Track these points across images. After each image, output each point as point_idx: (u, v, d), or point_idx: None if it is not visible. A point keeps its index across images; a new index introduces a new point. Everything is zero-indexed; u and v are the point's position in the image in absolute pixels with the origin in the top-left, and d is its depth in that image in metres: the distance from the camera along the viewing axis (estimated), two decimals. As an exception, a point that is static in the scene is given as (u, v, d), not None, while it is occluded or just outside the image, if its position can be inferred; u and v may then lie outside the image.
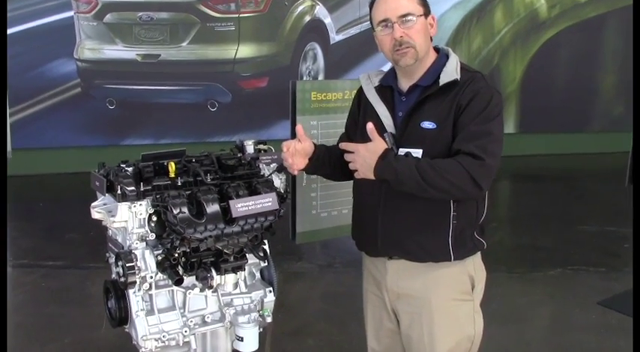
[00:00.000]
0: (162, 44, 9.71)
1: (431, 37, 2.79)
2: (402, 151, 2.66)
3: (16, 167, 9.24)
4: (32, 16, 9.55)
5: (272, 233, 2.69)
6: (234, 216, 2.47)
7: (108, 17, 9.53)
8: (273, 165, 2.82)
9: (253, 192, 2.59)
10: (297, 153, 2.83)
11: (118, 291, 2.61)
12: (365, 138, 2.74)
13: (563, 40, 11.30)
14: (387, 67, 2.91)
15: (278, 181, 2.77)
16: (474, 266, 2.87)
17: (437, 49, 2.85)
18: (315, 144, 2.93)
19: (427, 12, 2.75)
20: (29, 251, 6.72)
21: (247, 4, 9.78)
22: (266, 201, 2.54)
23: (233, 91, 9.98)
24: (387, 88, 2.87)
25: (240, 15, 9.77)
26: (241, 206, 2.48)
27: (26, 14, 9.52)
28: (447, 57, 2.79)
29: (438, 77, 2.72)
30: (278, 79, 9.66)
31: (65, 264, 6.32)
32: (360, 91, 2.97)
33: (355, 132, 2.95)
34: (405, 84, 2.81)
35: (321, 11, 10.09)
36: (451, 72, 2.71)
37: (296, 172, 2.86)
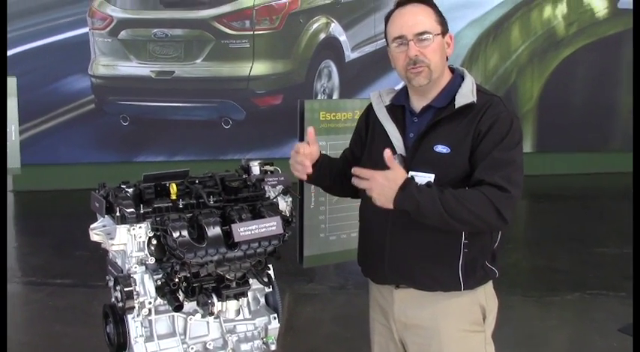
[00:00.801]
0: (177, 61, 9.71)
1: (447, 57, 2.71)
2: (411, 175, 2.57)
3: (29, 183, 9.24)
4: (47, 33, 9.61)
5: (277, 258, 2.59)
6: (236, 240, 2.38)
7: (122, 34, 9.56)
8: (279, 187, 2.71)
9: (257, 215, 2.50)
10: (305, 156, 2.79)
11: (117, 316, 2.53)
12: (373, 159, 2.69)
13: (581, 58, 11.24)
14: (402, 86, 2.82)
15: (283, 204, 2.66)
16: (485, 296, 2.77)
17: (452, 69, 2.76)
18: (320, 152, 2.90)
19: (445, 30, 2.67)
20: (38, 268, 6.68)
21: (262, 22, 9.76)
22: (270, 225, 2.45)
23: (247, 109, 9.96)
24: (399, 107, 2.78)
25: (255, 32, 9.75)
26: (244, 230, 2.39)
27: (41, 31, 9.59)
28: (463, 78, 2.70)
29: (453, 98, 2.63)
30: (292, 96, 9.60)
31: (73, 282, 6.26)
32: (370, 108, 2.89)
33: (361, 150, 2.88)
34: (417, 104, 2.73)
35: (336, 29, 10.06)
36: (467, 94, 2.62)
37: (305, 176, 2.80)
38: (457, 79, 2.71)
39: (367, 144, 2.85)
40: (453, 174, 2.56)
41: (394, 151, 2.65)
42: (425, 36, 2.59)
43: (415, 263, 2.68)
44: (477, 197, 2.46)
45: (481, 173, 2.51)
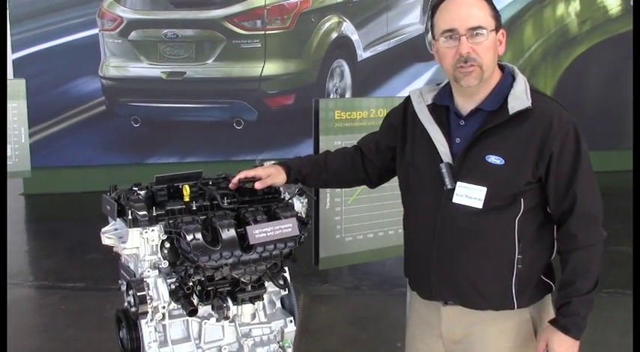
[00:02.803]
0: (188, 62, 9.65)
1: (499, 55, 2.47)
2: (460, 186, 2.40)
3: (40, 186, 9.20)
4: (57, 34, 9.55)
5: (293, 260, 2.54)
6: (251, 242, 2.34)
7: (133, 35, 9.49)
8: (294, 188, 2.66)
9: (272, 217, 2.46)
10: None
11: (130, 321, 2.48)
12: (416, 167, 2.52)
13: (595, 56, 11.14)
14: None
15: (299, 205, 2.61)
16: (539, 313, 2.56)
17: (501, 67, 2.51)
18: (285, 167, 2.70)
19: (499, 26, 2.43)
20: (50, 272, 6.64)
21: (273, 21, 9.69)
22: (286, 227, 2.40)
23: (259, 109, 9.89)
24: (442, 107, 2.53)
25: (267, 32, 9.69)
26: (259, 232, 2.35)
27: (51, 32, 9.53)
28: (513, 77, 2.46)
29: (505, 101, 2.39)
30: (305, 96, 9.53)
31: (86, 285, 6.22)
32: (407, 106, 2.64)
33: (391, 145, 2.69)
34: (463, 105, 2.48)
35: (348, 28, 9.96)
36: (521, 96, 2.38)
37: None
38: (507, 78, 2.47)
39: (407, 147, 2.60)
40: (506, 188, 2.38)
41: (440, 159, 2.45)
42: (479, 31, 2.34)
43: (463, 280, 2.47)
44: (595, 255, 2.54)
45: (574, 224, 2.53)
